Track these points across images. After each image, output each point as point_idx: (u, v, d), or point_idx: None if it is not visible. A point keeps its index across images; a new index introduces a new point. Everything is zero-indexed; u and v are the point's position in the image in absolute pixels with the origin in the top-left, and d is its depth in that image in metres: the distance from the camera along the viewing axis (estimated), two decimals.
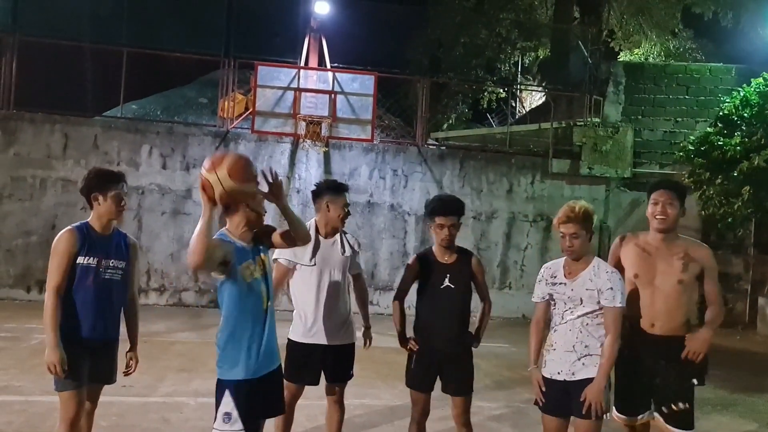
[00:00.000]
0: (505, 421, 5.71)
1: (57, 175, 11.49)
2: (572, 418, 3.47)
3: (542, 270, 3.67)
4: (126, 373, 3.71)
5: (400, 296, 4.14)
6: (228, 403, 3.05)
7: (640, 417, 3.63)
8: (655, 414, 3.59)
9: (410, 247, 12.47)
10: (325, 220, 4.15)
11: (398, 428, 5.22)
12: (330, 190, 4.18)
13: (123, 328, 3.71)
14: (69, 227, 3.52)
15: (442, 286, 3.94)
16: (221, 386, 3.10)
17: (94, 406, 3.67)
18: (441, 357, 3.97)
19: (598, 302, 3.40)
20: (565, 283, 3.50)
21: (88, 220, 3.58)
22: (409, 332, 4.09)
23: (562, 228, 3.43)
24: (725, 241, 13.12)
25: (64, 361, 3.32)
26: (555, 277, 3.58)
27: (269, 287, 3.27)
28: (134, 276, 3.74)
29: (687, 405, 3.51)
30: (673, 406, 3.50)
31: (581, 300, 3.43)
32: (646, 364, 3.57)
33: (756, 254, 13.16)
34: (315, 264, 4.06)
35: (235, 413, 3.03)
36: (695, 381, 3.56)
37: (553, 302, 3.58)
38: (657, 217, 3.51)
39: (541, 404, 3.56)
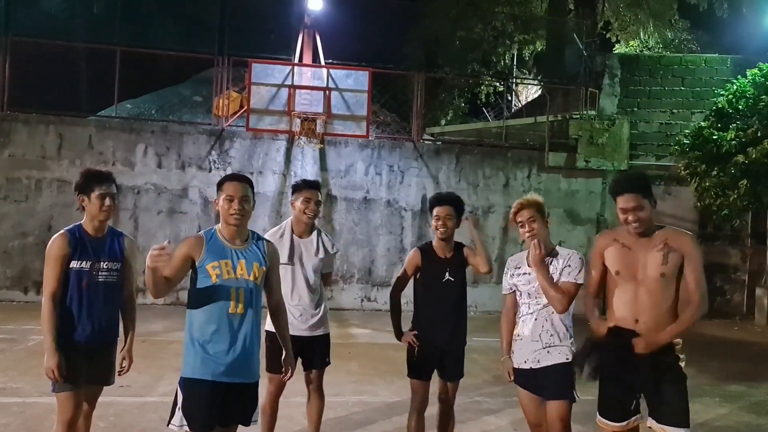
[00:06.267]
0: (504, 415, 5.71)
1: (52, 175, 11.47)
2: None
3: (508, 262, 3.77)
4: (120, 373, 3.69)
5: (399, 289, 4.23)
6: (180, 398, 3.05)
7: (627, 422, 3.28)
8: (648, 416, 3.28)
9: (407, 243, 12.46)
10: (296, 218, 4.24)
11: (396, 425, 5.21)
12: (293, 187, 4.31)
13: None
14: (62, 231, 3.50)
15: (443, 280, 4.05)
16: (180, 382, 3.11)
17: (92, 407, 3.66)
18: (442, 349, 4.07)
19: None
20: (528, 273, 3.58)
21: (81, 222, 3.56)
22: (405, 326, 4.17)
23: (518, 217, 3.58)
24: (722, 232, 13.17)
25: (62, 365, 3.32)
26: (519, 267, 3.66)
27: (252, 294, 3.14)
28: (131, 275, 3.70)
29: (681, 401, 3.22)
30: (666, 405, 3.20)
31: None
32: (631, 362, 3.22)
33: (753, 245, 13.18)
34: (291, 263, 4.14)
35: (181, 410, 3.03)
36: (681, 359, 3.24)
37: (519, 293, 3.65)
38: (632, 224, 3.23)
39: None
